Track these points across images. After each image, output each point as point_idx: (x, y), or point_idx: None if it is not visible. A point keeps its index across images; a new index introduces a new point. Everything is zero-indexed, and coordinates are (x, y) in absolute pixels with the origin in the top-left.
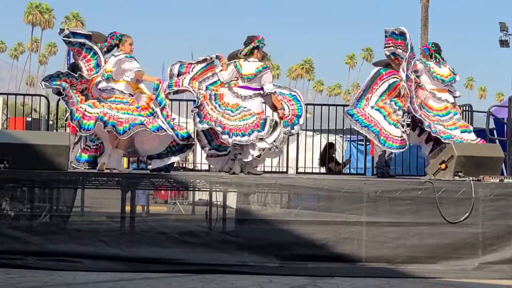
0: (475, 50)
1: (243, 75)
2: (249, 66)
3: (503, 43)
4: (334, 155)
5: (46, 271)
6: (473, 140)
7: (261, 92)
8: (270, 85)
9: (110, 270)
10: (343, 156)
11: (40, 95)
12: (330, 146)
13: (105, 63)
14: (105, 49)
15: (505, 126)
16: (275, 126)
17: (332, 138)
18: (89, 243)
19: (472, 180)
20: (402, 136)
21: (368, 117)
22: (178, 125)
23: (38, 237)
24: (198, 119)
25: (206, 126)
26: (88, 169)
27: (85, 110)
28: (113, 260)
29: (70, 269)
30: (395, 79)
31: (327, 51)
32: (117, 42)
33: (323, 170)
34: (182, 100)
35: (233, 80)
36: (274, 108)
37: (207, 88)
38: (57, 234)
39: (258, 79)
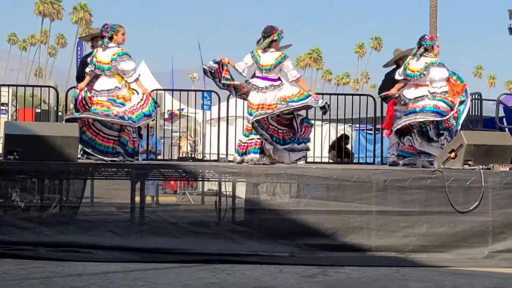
0: (484, 38)
1: (261, 65)
2: (268, 57)
3: None
4: (347, 147)
5: (56, 262)
6: None
7: (279, 82)
8: (294, 71)
9: (120, 260)
10: (352, 146)
11: (49, 86)
12: (344, 138)
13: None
14: (104, 45)
15: None
16: None
17: (340, 128)
18: (99, 233)
19: (482, 168)
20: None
21: None
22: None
23: (49, 228)
24: None
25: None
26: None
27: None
28: (123, 251)
29: (80, 259)
30: None
31: (335, 40)
32: (112, 33)
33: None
34: (191, 90)
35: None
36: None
37: (223, 84)
38: (67, 225)
39: (278, 69)
